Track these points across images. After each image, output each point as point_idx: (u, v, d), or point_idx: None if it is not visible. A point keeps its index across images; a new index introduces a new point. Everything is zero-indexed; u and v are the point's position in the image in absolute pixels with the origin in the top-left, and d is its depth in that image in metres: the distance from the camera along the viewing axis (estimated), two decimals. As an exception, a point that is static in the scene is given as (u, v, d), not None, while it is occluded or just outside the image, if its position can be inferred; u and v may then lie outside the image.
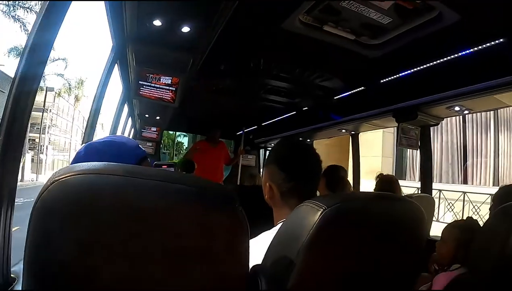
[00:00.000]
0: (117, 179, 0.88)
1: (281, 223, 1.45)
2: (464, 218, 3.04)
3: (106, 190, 0.87)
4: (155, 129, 7.67)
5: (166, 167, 1.90)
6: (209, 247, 0.93)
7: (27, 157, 38.22)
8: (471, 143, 11.98)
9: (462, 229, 2.46)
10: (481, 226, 2.39)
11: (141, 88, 3.64)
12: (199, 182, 0.95)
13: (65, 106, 56.72)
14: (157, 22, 2.88)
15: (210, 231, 0.93)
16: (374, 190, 4.04)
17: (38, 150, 44.59)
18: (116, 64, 3.84)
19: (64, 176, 0.87)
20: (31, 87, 1.77)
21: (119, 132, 6.58)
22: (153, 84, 3.65)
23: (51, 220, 0.87)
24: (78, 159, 1.46)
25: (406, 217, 1.36)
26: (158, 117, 6.82)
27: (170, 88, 3.67)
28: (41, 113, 40.77)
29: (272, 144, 8.21)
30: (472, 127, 11.91)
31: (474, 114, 11.34)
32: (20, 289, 1.59)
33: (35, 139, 45.98)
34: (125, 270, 0.89)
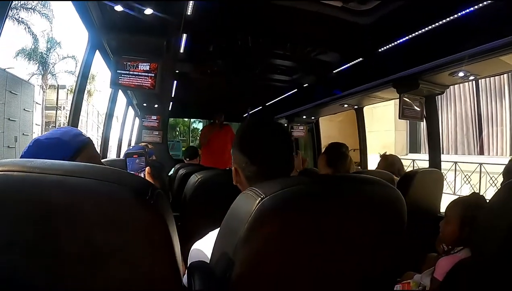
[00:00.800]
0: (18, 175, 0.85)
1: None
2: (482, 190, 2.86)
3: (8, 187, 0.85)
4: (155, 118, 7.58)
5: (136, 156, 1.79)
6: (119, 244, 0.89)
7: (44, 156, 39.00)
8: (486, 112, 11.68)
9: (466, 205, 2.26)
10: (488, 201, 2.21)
11: (119, 77, 3.54)
12: (103, 173, 0.89)
13: (78, 102, 57.64)
14: (118, 8, 2.77)
15: (117, 227, 0.88)
16: (376, 168, 3.97)
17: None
18: (98, 53, 3.83)
19: None
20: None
21: (115, 122, 6.59)
22: (131, 72, 3.55)
23: None
24: (25, 153, 1.44)
25: (371, 201, 1.22)
26: (156, 105, 6.76)
27: (149, 74, 3.55)
28: (54, 112, 41.36)
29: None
30: (486, 95, 11.61)
31: (488, 81, 11.12)
32: None
33: (51, 138, 46.83)
34: (41, 268, 0.90)
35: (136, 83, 3.55)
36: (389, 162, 4.03)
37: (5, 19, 1.98)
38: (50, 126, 44.64)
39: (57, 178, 0.84)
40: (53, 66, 39.91)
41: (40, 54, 37.06)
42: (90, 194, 0.85)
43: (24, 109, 28.30)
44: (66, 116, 51.13)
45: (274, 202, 1.06)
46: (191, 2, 2.66)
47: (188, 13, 2.88)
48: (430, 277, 2.30)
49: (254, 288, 1.14)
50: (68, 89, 47.97)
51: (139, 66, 3.54)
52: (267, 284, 1.15)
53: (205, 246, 1.40)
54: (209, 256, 1.23)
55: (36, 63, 37.39)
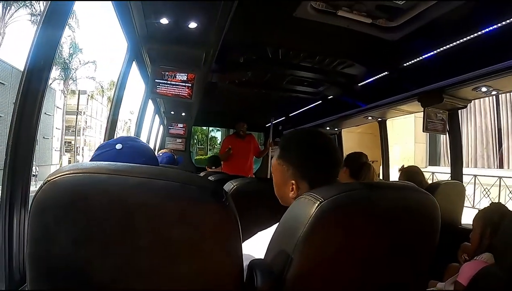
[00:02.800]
0: (103, 177, 0.92)
1: None
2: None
3: (93, 188, 0.92)
4: (181, 126, 7.72)
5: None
6: (196, 241, 0.97)
7: (64, 159, 39.15)
8: (506, 125, 11.61)
9: (488, 213, 2.36)
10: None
11: (157, 86, 3.65)
12: (183, 177, 0.97)
13: (98, 108, 57.81)
14: (164, 20, 2.88)
15: (195, 225, 0.96)
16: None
17: (74, 152, 45.66)
18: (134, 63, 3.89)
19: (55, 177, 0.92)
20: (39, 86, 1.79)
21: (145, 131, 6.66)
22: (169, 82, 3.65)
23: (46, 217, 0.93)
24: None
25: (412, 206, 1.32)
26: (183, 114, 6.92)
27: (187, 84, 3.66)
28: (75, 116, 41.65)
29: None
30: (506, 108, 11.55)
31: (508, 95, 11.04)
32: None
33: (71, 142, 47.11)
34: (117, 263, 0.95)
35: (173, 92, 3.65)
36: (410, 174, 3.98)
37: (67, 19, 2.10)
38: (70, 131, 45.01)
39: (141, 180, 0.92)
40: (74, 72, 40.29)
41: (63, 59, 37.37)
42: (173, 195, 0.94)
43: (45, 113, 28.48)
44: (85, 121, 51.38)
45: (331, 205, 1.14)
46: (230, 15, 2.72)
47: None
48: (453, 283, 2.39)
49: (309, 286, 1.19)
50: (88, 95, 48.34)
51: (177, 76, 3.64)
52: (322, 284, 1.21)
53: (251, 247, 1.45)
54: (255, 256, 1.28)
55: (58, 68, 37.69)
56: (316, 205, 1.14)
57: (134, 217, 0.93)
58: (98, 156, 1.49)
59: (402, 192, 1.37)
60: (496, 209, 2.41)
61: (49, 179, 0.93)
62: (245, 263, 1.10)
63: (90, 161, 1.46)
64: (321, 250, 1.18)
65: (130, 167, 0.97)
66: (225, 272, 1.03)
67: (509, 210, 2.32)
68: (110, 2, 2.78)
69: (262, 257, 1.29)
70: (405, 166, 4.03)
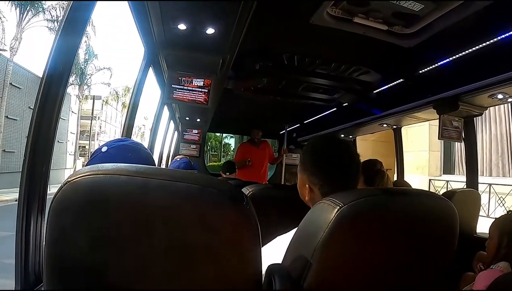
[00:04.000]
0: (124, 179, 0.94)
1: None
2: None
3: (113, 189, 0.94)
4: (196, 132, 7.79)
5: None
6: (214, 245, 0.97)
7: (78, 163, 39.42)
8: (522, 133, 11.51)
9: (505, 221, 2.34)
10: None
11: (174, 91, 3.67)
12: (203, 180, 0.97)
13: (112, 113, 58.21)
14: (181, 26, 2.89)
15: (215, 228, 0.96)
16: None
17: (88, 156, 45.95)
18: (150, 68, 3.92)
19: (75, 177, 0.94)
20: (57, 91, 1.80)
21: (160, 136, 6.69)
22: (185, 87, 3.67)
23: (64, 218, 0.94)
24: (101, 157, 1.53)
25: (430, 213, 1.32)
26: (198, 120, 6.95)
27: (203, 90, 3.68)
28: (89, 121, 41.96)
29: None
30: (521, 116, 11.45)
31: (523, 103, 10.96)
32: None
33: (85, 146, 47.48)
34: (133, 265, 0.96)
35: (190, 98, 3.67)
36: None
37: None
38: (84, 135, 45.36)
39: (161, 182, 0.93)
40: (89, 77, 40.64)
41: (78, 65, 37.69)
42: (193, 197, 0.94)
43: (60, 117, 28.76)
44: (100, 126, 51.76)
45: (351, 210, 1.15)
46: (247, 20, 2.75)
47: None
48: None
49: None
50: (103, 100, 48.68)
51: (193, 81, 3.66)
52: (340, 289, 1.21)
53: (269, 251, 1.47)
54: (272, 260, 1.26)
55: (73, 74, 38.01)
56: (336, 210, 1.14)
57: (154, 220, 0.93)
58: (90, 162, 1.50)
59: (420, 198, 1.37)
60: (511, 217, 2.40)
61: (69, 179, 0.94)
62: (263, 267, 1.09)
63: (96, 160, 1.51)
64: (339, 255, 1.18)
65: (151, 169, 0.98)
66: (243, 276, 1.03)
67: None
68: (129, 10, 2.82)
69: (279, 261, 1.29)
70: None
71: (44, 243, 0.99)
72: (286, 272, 1.16)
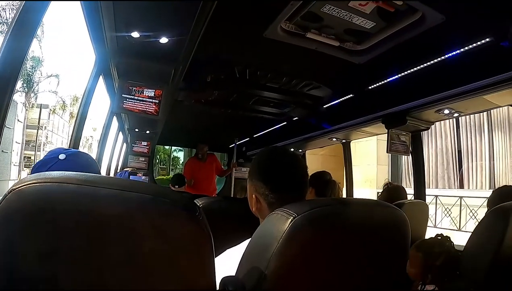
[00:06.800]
0: (72, 187, 0.88)
1: None
2: (462, 222, 2.92)
3: (62, 198, 0.88)
4: (145, 144, 7.63)
5: (141, 174, 1.90)
6: (168, 256, 0.93)
7: (23, 174, 38.25)
8: (466, 147, 11.87)
9: (427, 253, 2.34)
10: (450, 241, 2.34)
11: (124, 101, 3.61)
12: (154, 189, 0.94)
13: (60, 124, 56.89)
14: (135, 34, 2.85)
15: (168, 239, 0.92)
16: (378, 198, 3.98)
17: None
18: (101, 77, 3.88)
19: (20, 185, 0.87)
20: (3, 97, 1.75)
21: (108, 147, 6.57)
22: (136, 97, 3.62)
23: (9, 228, 0.87)
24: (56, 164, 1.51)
25: (384, 222, 1.34)
26: (148, 131, 6.80)
27: (154, 100, 3.64)
28: (36, 131, 40.86)
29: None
30: (466, 130, 11.82)
31: (468, 118, 11.35)
32: None
33: (30, 157, 46.09)
34: (85, 278, 0.89)
35: (140, 108, 3.63)
36: (394, 190, 3.95)
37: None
38: (30, 145, 44.05)
39: (111, 192, 0.89)
40: (37, 85, 39.51)
41: (26, 71, 36.60)
42: (145, 207, 0.90)
43: (6, 126, 27.84)
44: (46, 136, 50.37)
45: (305, 221, 1.14)
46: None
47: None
48: None
49: None
50: (50, 109, 47.44)
51: (144, 91, 3.63)
52: None
53: (221, 264, 1.36)
54: (225, 273, 1.20)
55: (20, 80, 36.88)
56: (290, 220, 1.13)
57: (104, 230, 0.89)
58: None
59: (374, 207, 1.40)
60: (435, 246, 2.37)
61: (14, 187, 0.88)
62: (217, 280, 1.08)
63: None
64: (294, 265, 1.17)
65: (100, 178, 0.94)
66: (199, 288, 1.00)
67: (452, 245, 2.34)
68: (82, 14, 2.77)
69: (232, 274, 1.27)
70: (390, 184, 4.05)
71: None
72: (241, 283, 1.13)
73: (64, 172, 0.93)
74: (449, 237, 2.42)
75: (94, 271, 0.90)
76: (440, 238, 2.43)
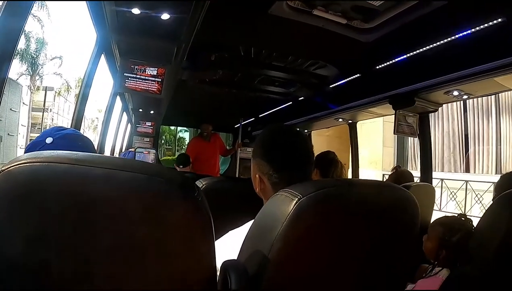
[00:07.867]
0: (63, 167, 0.85)
1: None
2: (467, 207, 2.89)
3: (52, 179, 0.85)
4: (150, 124, 7.60)
5: (147, 152, 1.85)
6: (163, 240, 0.90)
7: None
8: (473, 130, 11.82)
9: (448, 228, 2.33)
10: (472, 223, 2.30)
11: (126, 80, 3.57)
12: (150, 168, 0.91)
13: (65, 106, 57.02)
14: (135, 10, 2.79)
15: (163, 222, 0.89)
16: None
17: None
18: (103, 56, 3.84)
19: (10, 166, 0.85)
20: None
21: (112, 127, 6.53)
22: (138, 76, 3.58)
23: None
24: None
25: (393, 204, 1.30)
26: (152, 112, 6.77)
27: (156, 79, 3.60)
28: (41, 113, 40.96)
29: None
30: (473, 114, 11.76)
31: (475, 101, 11.29)
32: None
33: (36, 140, 46.27)
34: (75, 264, 0.87)
35: (142, 87, 3.59)
36: (401, 174, 4.02)
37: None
38: (36, 128, 44.20)
39: (104, 172, 0.85)
40: (41, 67, 39.46)
41: (30, 54, 36.54)
42: (139, 188, 0.87)
43: (10, 109, 27.88)
44: (52, 119, 50.56)
45: (310, 202, 1.09)
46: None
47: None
48: None
49: (287, 286, 1.15)
50: (55, 92, 47.50)
51: (147, 70, 3.58)
52: (300, 283, 1.17)
53: (222, 246, 1.37)
54: (227, 256, 1.17)
55: (25, 63, 36.86)
56: (294, 202, 1.08)
57: (96, 213, 0.86)
58: None
59: (383, 188, 1.36)
60: (458, 225, 2.36)
61: (3, 168, 0.85)
62: (217, 264, 1.04)
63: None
64: (299, 248, 1.13)
65: (93, 157, 0.90)
66: (197, 274, 0.97)
67: (472, 226, 2.30)
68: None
69: (235, 257, 1.23)
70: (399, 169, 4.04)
71: None
72: (243, 267, 1.08)
73: (56, 151, 0.90)
74: (471, 220, 2.39)
75: (84, 256, 0.87)
76: (463, 218, 2.41)
